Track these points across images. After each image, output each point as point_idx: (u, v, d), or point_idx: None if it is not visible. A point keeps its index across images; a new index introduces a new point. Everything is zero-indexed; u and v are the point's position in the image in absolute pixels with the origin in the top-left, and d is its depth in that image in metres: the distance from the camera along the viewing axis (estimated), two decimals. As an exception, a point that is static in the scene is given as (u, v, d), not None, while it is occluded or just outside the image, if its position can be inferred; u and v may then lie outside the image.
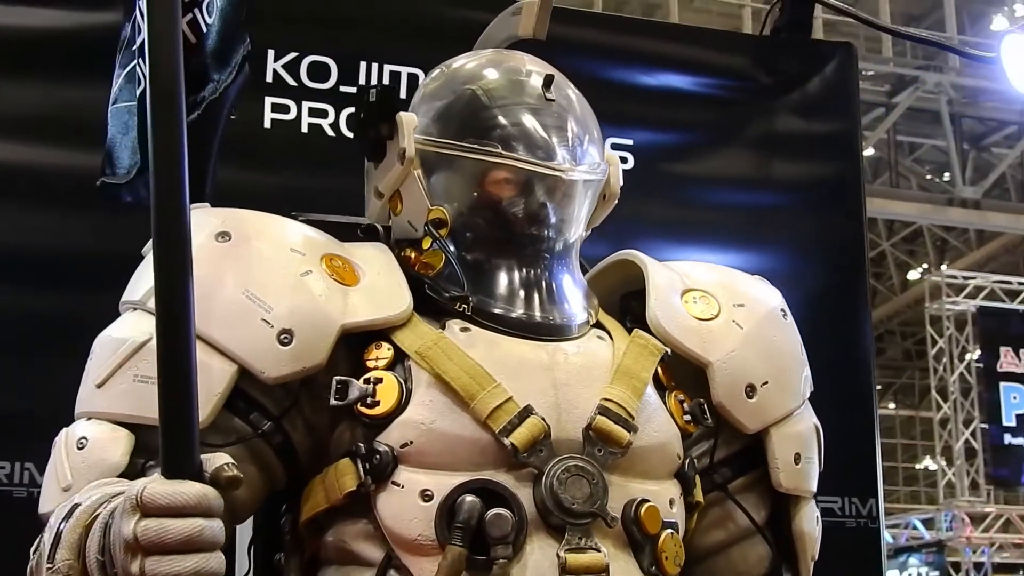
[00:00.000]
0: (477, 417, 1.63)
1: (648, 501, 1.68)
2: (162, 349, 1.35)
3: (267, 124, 2.81)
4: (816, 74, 3.19)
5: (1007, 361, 15.56)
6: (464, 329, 1.73)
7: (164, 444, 1.34)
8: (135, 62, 1.98)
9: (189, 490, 1.31)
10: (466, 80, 1.87)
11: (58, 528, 1.48)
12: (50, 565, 1.46)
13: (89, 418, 1.67)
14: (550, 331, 1.77)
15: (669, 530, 1.71)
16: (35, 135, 2.79)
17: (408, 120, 1.82)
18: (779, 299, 1.97)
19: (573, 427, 1.66)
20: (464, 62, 1.94)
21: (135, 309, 1.73)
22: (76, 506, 1.50)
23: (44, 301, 2.75)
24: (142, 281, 1.75)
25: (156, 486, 1.30)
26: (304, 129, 2.84)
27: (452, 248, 1.80)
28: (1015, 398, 15.31)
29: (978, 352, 16.25)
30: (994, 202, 14.49)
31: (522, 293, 1.79)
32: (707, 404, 1.84)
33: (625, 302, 1.96)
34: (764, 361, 1.87)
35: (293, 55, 2.94)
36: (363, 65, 2.88)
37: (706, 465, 1.86)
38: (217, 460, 1.36)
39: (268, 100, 2.86)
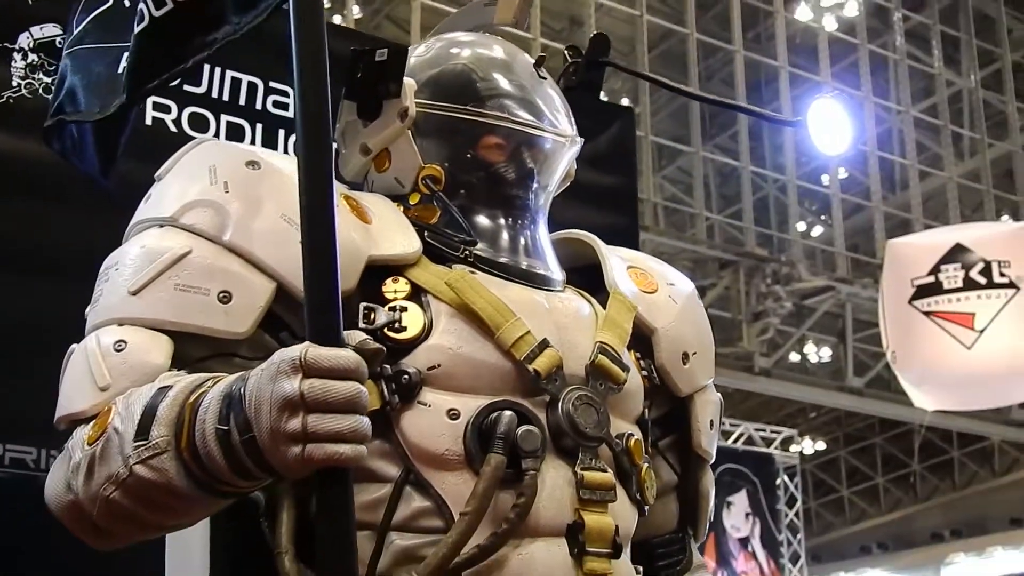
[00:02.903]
0: (502, 345, 1.76)
1: (633, 435, 1.87)
2: (307, 232, 1.45)
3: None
4: (603, 132, 3.51)
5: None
6: (471, 272, 1.86)
7: (313, 317, 1.43)
8: (107, 5, 2.01)
9: (349, 355, 1.40)
10: (460, 53, 2.03)
11: (143, 409, 1.52)
12: (143, 441, 1.49)
13: (121, 323, 1.68)
14: (542, 280, 1.93)
15: (647, 463, 1.90)
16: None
17: (410, 83, 1.95)
18: (693, 284, 2.21)
19: (576, 363, 1.82)
20: (454, 39, 2.09)
21: (162, 226, 1.76)
22: (164, 388, 1.53)
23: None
24: (167, 200, 1.79)
25: (318, 350, 1.38)
26: (148, 122, 2.85)
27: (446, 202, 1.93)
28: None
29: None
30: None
31: (512, 245, 1.95)
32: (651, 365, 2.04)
33: (569, 276, 2.14)
34: (693, 334, 2.10)
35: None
36: (207, 68, 2.92)
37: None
38: (355, 336, 1.45)
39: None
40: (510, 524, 1.66)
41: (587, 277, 2.07)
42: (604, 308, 1.97)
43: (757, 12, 17.15)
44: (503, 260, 1.91)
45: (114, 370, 1.64)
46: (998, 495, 22.40)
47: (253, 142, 2.90)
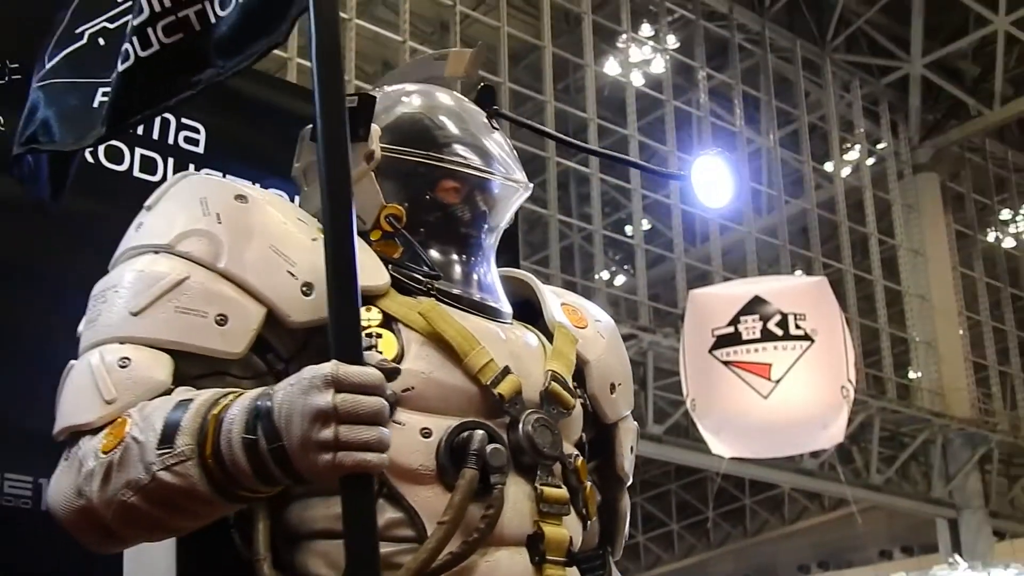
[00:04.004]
0: (469, 371, 1.91)
1: (579, 456, 2.04)
2: (333, 262, 1.62)
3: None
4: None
5: None
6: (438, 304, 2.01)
7: (338, 338, 1.58)
8: (81, 43, 2.11)
9: (375, 372, 1.56)
10: (413, 102, 2.19)
11: (165, 420, 1.65)
12: (168, 449, 1.62)
13: (122, 342, 1.79)
14: (495, 313, 2.10)
15: (590, 481, 2.07)
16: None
17: (375, 128, 2.10)
18: (613, 321, 2.40)
19: (532, 389, 1.98)
20: (405, 89, 2.24)
21: (157, 252, 1.87)
22: (184, 402, 1.66)
23: None
24: (160, 228, 1.90)
25: (348, 367, 1.54)
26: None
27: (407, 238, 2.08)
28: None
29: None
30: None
31: (466, 279, 2.11)
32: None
33: None
34: (619, 366, 2.28)
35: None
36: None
37: None
38: (373, 357, 1.60)
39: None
40: (480, 533, 1.81)
41: (518, 312, 2.23)
42: (546, 340, 2.14)
43: (567, 64, 17.64)
44: (459, 293, 2.07)
45: (119, 385, 1.75)
46: (787, 542, 23.20)
47: (165, 175, 2.98)
